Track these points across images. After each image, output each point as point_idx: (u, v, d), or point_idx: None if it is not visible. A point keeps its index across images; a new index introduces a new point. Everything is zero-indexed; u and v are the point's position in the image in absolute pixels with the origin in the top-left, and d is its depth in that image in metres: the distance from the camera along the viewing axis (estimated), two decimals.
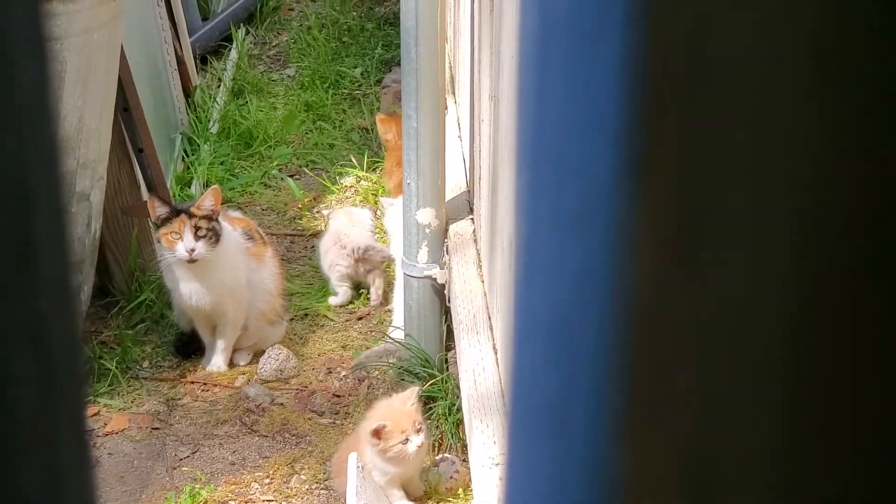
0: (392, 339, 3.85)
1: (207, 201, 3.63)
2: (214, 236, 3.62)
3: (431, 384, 3.50)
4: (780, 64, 0.40)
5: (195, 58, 5.86)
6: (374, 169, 5.20)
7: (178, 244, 3.57)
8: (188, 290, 3.70)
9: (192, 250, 3.56)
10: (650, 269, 0.44)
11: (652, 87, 0.42)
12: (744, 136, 0.41)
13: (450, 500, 3.16)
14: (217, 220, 3.66)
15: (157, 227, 3.64)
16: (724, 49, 0.41)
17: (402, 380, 3.66)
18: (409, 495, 3.13)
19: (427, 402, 3.48)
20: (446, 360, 3.66)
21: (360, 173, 5.21)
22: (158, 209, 3.61)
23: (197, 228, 3.58)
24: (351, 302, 4.27)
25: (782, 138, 0.41)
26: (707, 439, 0.45)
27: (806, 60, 0.39)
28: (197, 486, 3.20)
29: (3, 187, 0.42)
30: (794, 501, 0.43)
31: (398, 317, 3.92)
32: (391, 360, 3.76)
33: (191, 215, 3.58)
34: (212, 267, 3.66)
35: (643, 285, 0.44)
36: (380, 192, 4.98)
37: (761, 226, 0.42)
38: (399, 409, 3.03)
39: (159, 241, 3.65)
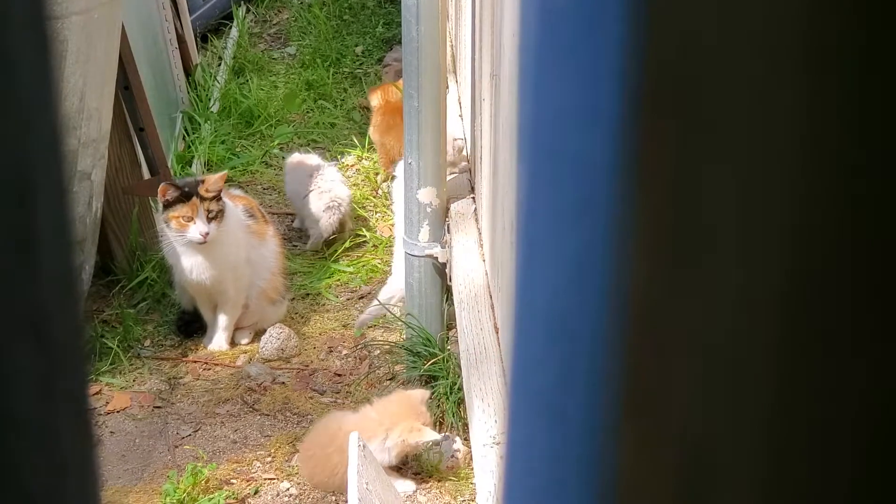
0: (380, 301, 3.93)
1: (215, 184, 3.63)
2: (221, 215, 3.65)
3: (433, 363, 3.50)
4: (777, 57, 0.40)
5: (196, 36, 5.85)
6: (375, 148, 5.20)
7: (191, 227, 3.59)
8: (189, 265, 3.71)
9: (207, 234, 3.59)
10: (647, 258, 0.44)
11: (650, 78, 0.42)
12: (740, 129, 0.41)
13: (451, 479, 3.18)
14: (221, 199, 3.67)
15: (165, 209, 3.64)
16: (722, 42, 0.41)
17: (405, 359, 3.67)
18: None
19: (428, 380, 3.50)
20: (447, 339, 3.67)
21: (361, 153, 5.20)
22: (169, 194, 3.61)
23: (209, 211, 3.60)
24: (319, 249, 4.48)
25: (778, 131, 0.41)
26: (702, 428, 0.45)
27: (803, 55, 0.39)
28: (199, 464, 3.21)
29: (4, 169, 0.42)
30: (787, 492, 0.43)
31: (387, 291, 3.99)
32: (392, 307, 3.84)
33: (202, 198, 3.59)
34: (214, 242, 3.66)
35: (640, 275, 0.44)
36: (380, 172, 4.98)
37: (757, 218, 0.42)
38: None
39: (167, 223, 3.65)
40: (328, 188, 4.44)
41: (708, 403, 0.45)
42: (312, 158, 4.67)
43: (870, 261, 0.39)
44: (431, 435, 3.05)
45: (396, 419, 3.05)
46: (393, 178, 4.35)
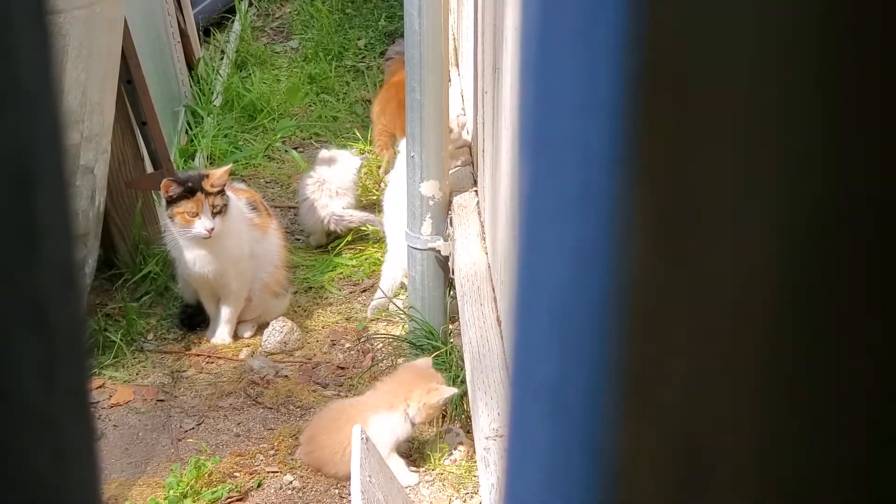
0: (383, 291, 3.96)
1: (220, 179, 3.64)
2: (225, 209, 3.66)
3: (436, 356, 3.51)
4: (777, 48, 0.40)
5: (198, 30, 5.84)
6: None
7: (196, 222, 3.60)
8: (192, 257, 3.71)
9: (212, 229, 3.59)
10: (648, 248, 0.44)
11: (650, 68, 0.42)
12: (740, 119, 0.41)
13: (453, 471, 3.18)
14: (225, 193, 3.68)
15: (169, 205, 3.63)
16: (722, 33, 0.41)
17: (408, 353, 3.67)
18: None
19: None
20: (450, 332, 3.67)
21: (364, 146, 5.20)
22: (172, 190, 3.61)
23: (213, 206, 3.60)
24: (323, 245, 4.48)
25: (778, 121, 0.41)
26: (702, 420, 0.45)
27: (803, 46, 0.39)
28: (202, 457, 3.21)
29: (5, 164, 0.42)
30: (784, 483, 0.43)
31: (384, 286, 4.00)
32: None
33: (207, 193, 3.59)
34: (217, 235, 3.67)
35: (641, 265, 0.44)
36: (381, 164, 4.98)
37: (757, 207, 0.42)
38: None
39: (172, 219, 3.65)
40: (325, 204, 4.43)
41: (708, 395, 0.45)
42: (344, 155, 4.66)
43: (870, 253, 0.39)
44: (449, 391, 3.13)
45: (412, 386, 3.11)
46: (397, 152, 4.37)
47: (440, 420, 3.31)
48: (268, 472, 3.23)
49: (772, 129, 0.41)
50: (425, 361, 3.28)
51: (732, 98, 0.41)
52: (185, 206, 3.60)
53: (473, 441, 2.90)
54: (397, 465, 3.11)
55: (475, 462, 2.91)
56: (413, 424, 3.13)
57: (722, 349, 0.44)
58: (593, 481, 0.48)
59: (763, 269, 0.42)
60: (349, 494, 2.74)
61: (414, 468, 3.20)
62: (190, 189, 3.60)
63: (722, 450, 0.45)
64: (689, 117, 0.42)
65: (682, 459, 0.46)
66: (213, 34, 6.25)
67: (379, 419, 3.08)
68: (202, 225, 3.60)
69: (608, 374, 0.46)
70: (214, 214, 3.62)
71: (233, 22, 6.43)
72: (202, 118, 5.27)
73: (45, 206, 0.43)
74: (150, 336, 3.90)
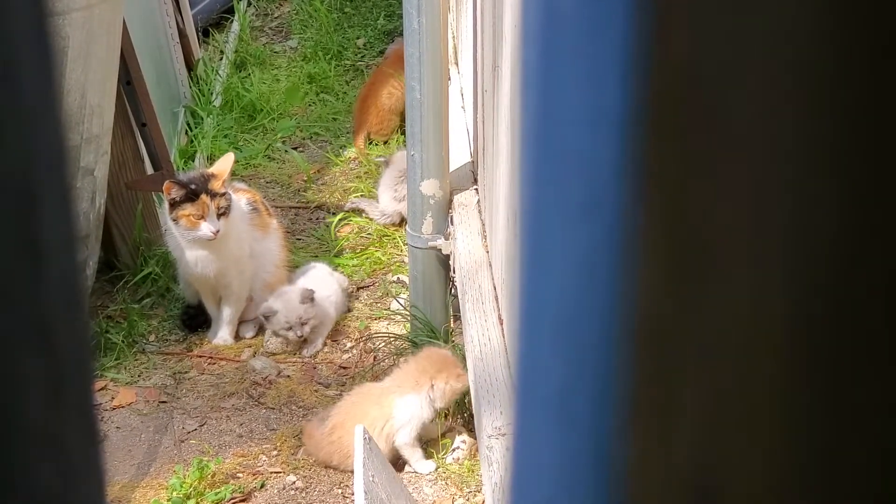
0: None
1: (224, 172, 3.63)
2: (228, 210, 3.65)
3: None
4: (784, 60, 0.40)
5: (197, 30, 5.84)
6: (376, 143, 5.21)
7: (202, 224, 3.59)
8: (194, 258, 3.71)
9: (217, 231, 3.59)
10: (655, 260, 0.44)
11: (656, 79, 0.42)
12: (747, 131, 0.41)
13: (456, 470, 3.18)
14: (229, 194, 3.67)
15: (173, 207, 3.62)
16: (729, 43, 0.41)
17: (409, 351, 3.67)
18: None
19: None
20: (452, 330, 3.67)
21: (363, 145, 5.20)
22: (174, 193, 3.59)
23: (218, 208, 3.60)
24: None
25: (786, 134, 0.40)
26: (710, 430, 0.45)
27: (811, 58, 0.39)
28: (205, 458, 3.21)
29: (8, 169, 0.42)
30: (794, 496, 0.43)
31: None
32: None
33: (212, 195, 3.58)
34: (220, 236, 3.66)
35: (648, 276, 0.44)
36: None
37: (765, 220, 0.42)
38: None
39: (176, 221, 3.64)
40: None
41: (719, 407, 0.45)
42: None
43: (882, 272, 0.39)
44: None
45: (439, 367, 3.13)
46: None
47: (443, 418, 3.31)
48: (271, 473, 3.23)
49: (782, 140, 0.40)
50: (448, 352, 3.28)
51: (742, 109, 0.41)
52: (190, 209, 3.59)
53: (476, 439, 2.90)
54: (416, 454, 3.14)
55: (478, 460, 2.91)
56: (435, 409, 3.14)
57: (732, 363, 0.44)
58: (601, 491, 0.48)
59: (775, 282, 0.42)
60: (352, 494, 2.74)
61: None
62: (193, 192, 3.59)
63: (732, 464, 0.45)
64: (697, 128, 0.42)
65: (692, 471, 0.46)
66: (212, 34, 6.25)
67: (404, 401, 3.11)
68: (208, 227, 3.59)
69: (615, 384, 0.46)
70: (219, 216, 3.61)
71: (231, 22, 6.43)
72: (202, 119, 5.26)
73: (49, 221, 0.43)
74: (152, 337, 3.91)
